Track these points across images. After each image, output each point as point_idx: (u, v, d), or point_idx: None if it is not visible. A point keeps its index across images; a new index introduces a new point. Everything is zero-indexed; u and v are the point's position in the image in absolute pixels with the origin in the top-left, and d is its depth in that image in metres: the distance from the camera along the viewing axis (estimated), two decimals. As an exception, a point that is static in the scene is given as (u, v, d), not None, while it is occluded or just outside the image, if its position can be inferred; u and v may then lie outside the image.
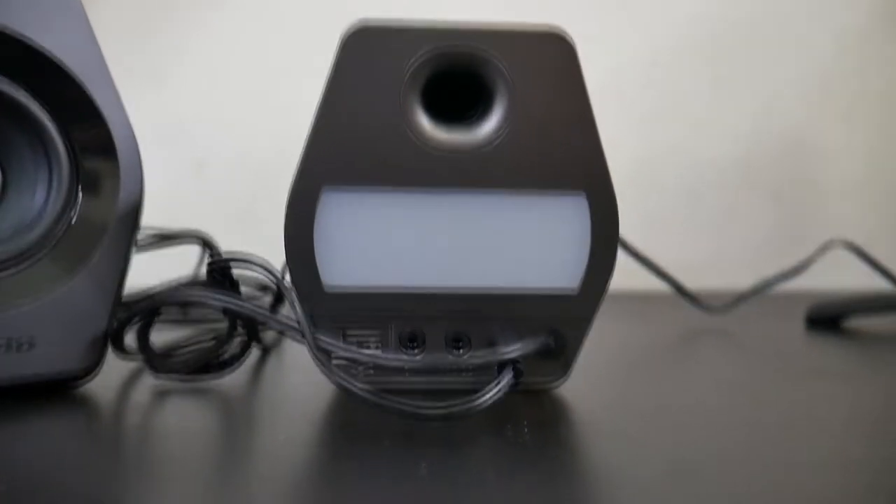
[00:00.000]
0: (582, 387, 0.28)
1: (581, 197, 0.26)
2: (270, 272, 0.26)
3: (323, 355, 0.23)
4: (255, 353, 0.33)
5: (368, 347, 0.26)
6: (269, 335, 0.39)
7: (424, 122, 0.25)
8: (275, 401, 0.27)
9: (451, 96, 0.25)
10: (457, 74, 0.25)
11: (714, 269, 0.73)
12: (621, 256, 0.29)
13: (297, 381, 0.30)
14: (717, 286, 0.62)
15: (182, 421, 0.24)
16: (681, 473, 0.19)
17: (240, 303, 0.25)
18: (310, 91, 0.27)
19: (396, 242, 0.26)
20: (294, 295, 0.25)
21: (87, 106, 0.26)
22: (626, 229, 0.33)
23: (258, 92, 0.71)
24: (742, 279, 0.57)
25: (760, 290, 0.53)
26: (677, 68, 0.75)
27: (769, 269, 0.55)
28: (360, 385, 0.22)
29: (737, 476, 0.19)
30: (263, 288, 0.46)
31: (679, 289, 0.50)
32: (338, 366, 0.26)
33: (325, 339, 0.24)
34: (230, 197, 0.70)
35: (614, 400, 0.28)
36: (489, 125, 0.25)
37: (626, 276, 0.40)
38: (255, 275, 0.31)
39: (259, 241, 0.44)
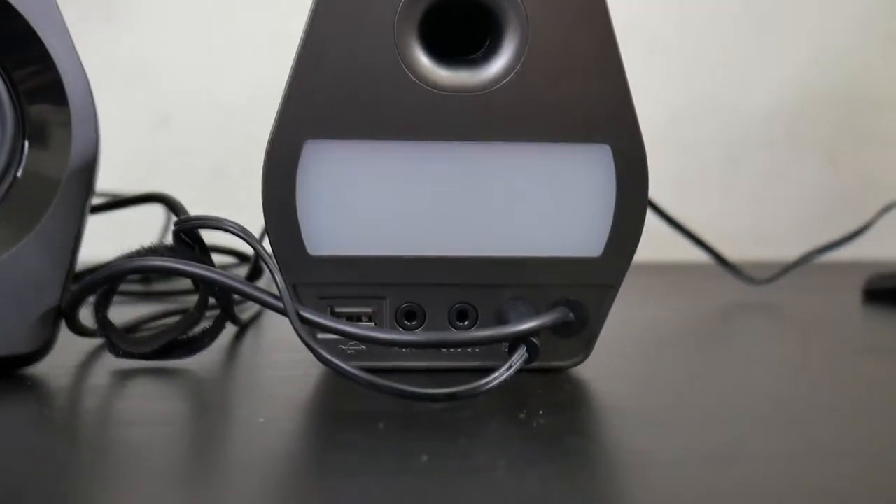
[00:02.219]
0: (605, 366, 0.28)
1: (605, 148, 0.25)
2: (246, 237, 0.26)
3: (307, 331, 0.23)
4: (229, 329, 0.33)
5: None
6: (245, 309, 0.39)
7: (423, 59, 0.25)
8: (253, 384, 0.27)
9: (453, 32, 0.25)
10: (460, 4, 0.25)
11: (758, 236, 0.73)
12: (651, 220, 0.29)
13: (279, 360, 0.30)
14: (761, 255, 0.62)
15: (147, 407, 0.24)
16: (717, 464, 0.19)
17: (212, 272, 0.25)
18: (291, 27, 0.27)
19: (391, 202, 0.26)
20: (274, 263, 0.25)
21: (33, 45, 0.26)
22: (657, 189, 0.33)
23: (231, 30, 0.70)
24: (789, 247, 0.57)
25: (810, 259, 0.52)
26: (715, 6, 0.74)
27: (820, 236, 0.55)
28: (351, 364, 0.22)
29: (781, 467, 0.19)
30: (239, 256, 0.46)
31: (718, 258, 0.50)
32: (325, 343, 0.26)
33: (311, 313, 0.24)
34: (199, 153, 0.70)
35: (642, 381, 0.28)
36: (499, 63, 0.25)
37: (656, 242, 0.40)
38: (228, 240, 0.31)
39: (233, 204, 0.44)
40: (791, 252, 0.55)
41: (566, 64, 0.25)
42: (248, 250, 0.44)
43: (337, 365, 0.22)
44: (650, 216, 0.28)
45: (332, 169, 0.25)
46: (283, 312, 0.24)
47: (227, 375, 0.28)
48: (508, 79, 0.25)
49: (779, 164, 0.75)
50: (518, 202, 0.26)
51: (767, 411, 0.24)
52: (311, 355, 0.23)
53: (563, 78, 0.25)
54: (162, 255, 0.26)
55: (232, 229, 0.26)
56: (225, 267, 0.49)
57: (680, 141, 0.73)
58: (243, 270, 0.42)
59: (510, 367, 0.23)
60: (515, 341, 0.24)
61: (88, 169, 0.27)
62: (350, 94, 0.25)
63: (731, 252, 0.52)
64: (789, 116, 0.75)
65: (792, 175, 0.75)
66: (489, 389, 0.22)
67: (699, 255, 0.51)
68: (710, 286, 0.53)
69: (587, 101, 0.25)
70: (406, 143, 0.25)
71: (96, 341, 0.30)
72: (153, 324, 0.34)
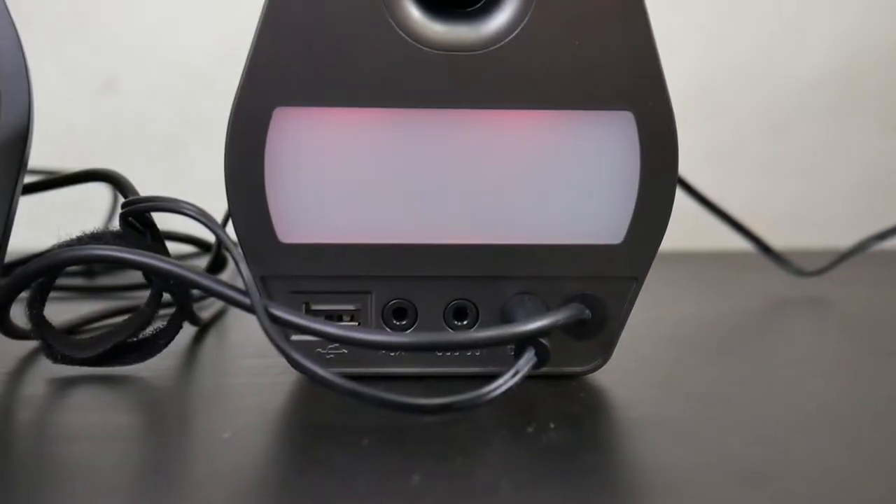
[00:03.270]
0: (627, 372, 0.28)
1: (627, 116, 0.25)
2: (207, 221, 0.26)
3: (279, 331, 0.23)
4: (187, 330, 0.33)
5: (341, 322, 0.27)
6: (206, 306, 0.39)
7: (413, 12, 0.25)
8: (215, 393, 0.27)
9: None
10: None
11: (806, 219, 0.73)
12: (681, 200, 0.29)
13: (246, 366, 0.30)
14: (809, 242, 0.63)
15: (91, 420, 0.24)
16: (754, 483, 0.19)
17: (166, 262, 0.25)
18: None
19: (377, 180, 0.26)
20: (239, 252, 0.25)
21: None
22: (689, 166, 0.33)
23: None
24: (843, 232, 0.57)
25: (868, 247, 0.53)
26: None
27: (879, 219, 0.55)
28: (331, 370, 0.22)
29: (827, 486, 0.19)
30: (198, 244, 0.46)
31: (760, 245, 0.51)
32: (299, 345, 0.26)
33: (282, 310, 0.24)
34: (151, 122, 0.70)
35: (670, 389, 0.28)
36: (502, 16, 0.25)
37: (687, 227, 0.40)
38: (186, 225, 0.31)
39: (191, 183, 0.44)
40: (845, 238, 0.55)
41: (581, 17, 0.25)
42: (209, 237, 0.44)
43: (313, 371, 0.22)
44: (680, 196, 0.28)
45: (308, 141, 0.25)
46: (250, 310, 0.24)
47: (184, 384, 0.28)
48: (513, 35, 0.25)
49: (830, 134, 0.75)
50: (525, 180, 0.26)
51: (814, 423, 0.24)
52: (283, 360, 0.23)
53: (578, 34, 0.25)
54: (107, 242, 0.26)
55: (190, 212, 0.26)
56: (182, 257, 0.49)
57: (715, 107, 0.73)
58: (203, 261, 0.42)
59: (516, 373, 0.23)
60: (522, 343, 0.24)
61: (19, 143, 0.27)
62: (327, 53, 0.25)
63: (774, 238, 0.52)
64: (843, 78, 0.75)
65: (845, 147, 0.76)
66: (492, 399, 0.22)
67: (737, 242, 0.51)
68: (750, 278, 0.53)
69: (606, 61, 0.25)
70: (393, 111, 0.25)
71: (31, 344, 0.30)
72: (98, 324, 0.34)
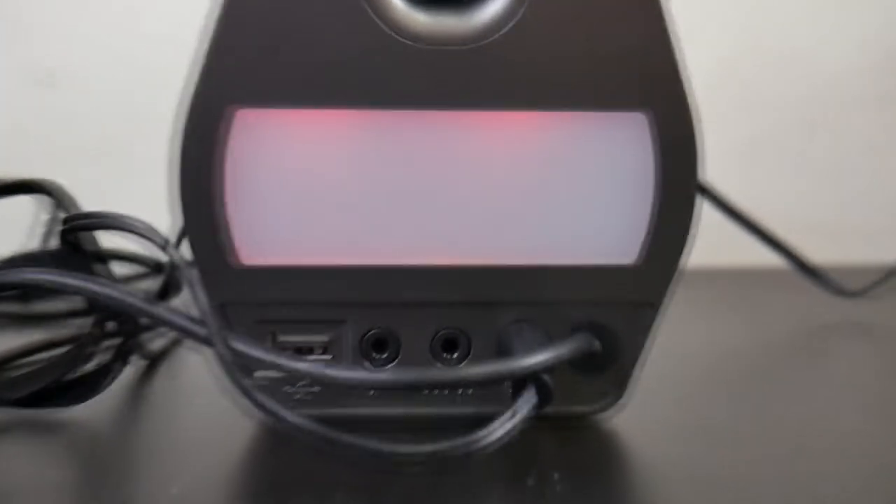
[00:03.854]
0: (643, 413, 0.28)
1: (641, 117, 0.25)
2: (157, 240, 0.26)
3: (240, 367, 0.23)
4: (134, 365, 0.33)
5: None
6: (156, 337, 0.39)
7: (395, 0, 0.25)
8: (165, 440, 0.27)
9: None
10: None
11: (848, 230, 0.73)
12: (704, 210, 0.29)
13: (201, 407, 0.30)
14: (852, 256, 0.63)
15: (21, 471, 0.24)
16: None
17: (110, 287, 0.25)
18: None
19: (354, 192, 0.25)
20: (195, 275, 0.25)
21: None
22: (712, 170, 0.33)
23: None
24: (890, 246, 0.57)
25: (919, 263, 0.53)
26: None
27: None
28: (300, 413, 0.22)
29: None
30: (147, 265, 0.46)
31: (795, 260, 0.51)
32: (263, 384, 0.26)
33: (244, 343, 0.23)
34: (93, 124, 0.69)
35: (693, 433, 0.28)
36: (495, 5, 0.25)
37: (711, 241, 0.40)
38: (134, 244, 0.31)
39: (140, 195, 0.44)
40: (893, 251, 0.55)
41: (587, 6, 0.25)
42: (161, 257, 0.43)
43: (279, 413, 0.22)
44: (703, 206, 0.28)
45: (273, 148, 0.25)
46: (206, 342, 0.24)
47: (129, 428, 0.28)
48: (509, 27, 0.25)
49: (876, 131, 0.75)
50: (523, 192, 0.26)
51: (861, 473, 0.24)
52: (244, 400, 0.23)
53: (583, 25, 0.25)
54: (44, 264, 0.26)
55: (138, 230, 0.26)
56: (129, 279, 0.49)
57: (741, 103, 0.73)
58: (154, 285, 0.42)
59: (514, 414, 0.23)
60: (521, 380, 0.24)
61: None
62: (296, 46, 0.24)
63: (812, 252, 0.52)
64: (886, 74, 0.75)
65: (890, 152, 0.76)
66: (486, 446, 0.22)
67: (769, 257, 0.51)
68: (784, 299, 0.53)
69: (615, 56, 0.25)
70: (372, 114, 0.25)
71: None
72: (31, 358, 0.33)
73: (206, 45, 0.24)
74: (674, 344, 0.38)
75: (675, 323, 0.29)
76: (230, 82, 0.25)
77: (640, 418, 0.28)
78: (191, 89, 0.25)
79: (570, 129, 0.25)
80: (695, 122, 0.25)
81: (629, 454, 0.26)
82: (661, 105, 0.25)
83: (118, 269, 0.29)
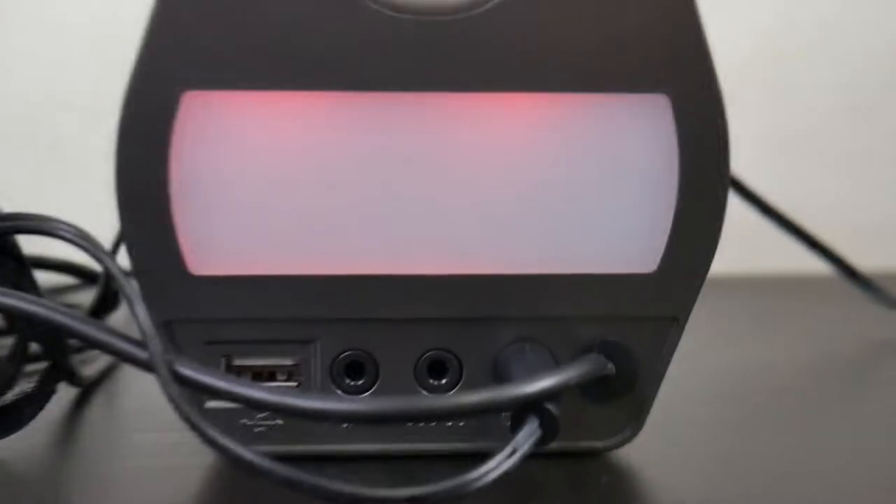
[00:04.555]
0: (664, 447, 0.28)
1: (661, 100, 0.25)
2: (90, 246, 0.26)
3: (188, 396, 0.23)
4: (63, 393, 0.33)
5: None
6: (90, 360, 0.38)
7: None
8: (101, 481, 0.27)
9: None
10: None
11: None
12: (735, 209, 0.29)
13: (144, 443, 0.30)
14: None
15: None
16: None
17: (34, 302, 0.25)
18: None
19: (323, 190, 0.25)
20: (135, 287, 0.25)
21: None
22: (743, 161, 0.33)
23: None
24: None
25: None
26: None
27: None
28: (259, 449, 0.22)
29: None
30: (80, 275, 0.46)
31: (842, 267, 0.51)
32: (217, 415, 0.26)
33: (194, 368, 0.23)
34: (16, 107, 0.69)
35: (722, 469, 0.28)
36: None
37: (744, 245, 0.40)
38: (63, 251, 0.31)
39: (70, 192, 0.44)
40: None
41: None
42: (95, 267, 0.43)
43: (235, 451, 0.22)
44: (734, 203, 0.28)
45: (228, 137, 0.25)
46: (148, 367, 0.23)
47: (58, 468, 0.28)
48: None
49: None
50: (525, 189, 0.26)
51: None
52: (193, 435, 0.23)
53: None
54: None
55: (68, 235, 0.26)
56: (57, 292, 0.48)
57: (777, 83, 0.74)
58: (87, 298, 0.42)
59: (514, 451, 0.23)
60: (522, 410, 0.24)
61: None
62: (254, 18, 0.24)
63: (860, 258, 0.52)
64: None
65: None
66: (481, 488, 0.22)
67: (812, 264, 0.51)
68: (829, 312, 0.53)
69: (633, 29, 0.25)
70: (345, 97, 0.25)
71: None
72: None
73: (148, 18, 0.24)
74: (697, 363, 0.38)
75: (698, 339, 0.29)
76: (175, 60, 0.24)
77: (656, 449, 0.28)
78: (131, 69, 0.25)
79: (579, 114, 0.25)
80: (722, 105, 0.25)
81: (644, 496, 0.26)
82: (686, 86, 0.25)
83: (44, 279, 0.29)
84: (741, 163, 0.27)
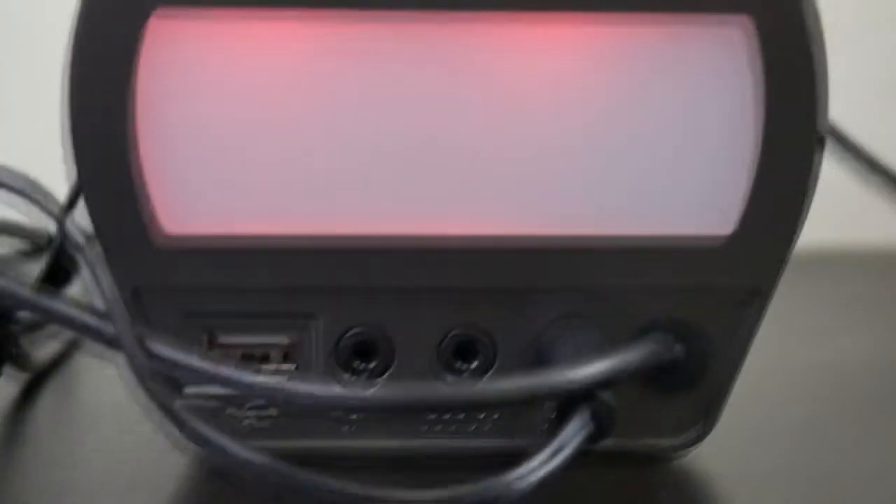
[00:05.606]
0: (743, 452, 0.28)
1: (744, 23, 0.25)
2: (41, 201, 0.26)
3: (163, 381, 0.23)
4: (10, 379, 0.33)
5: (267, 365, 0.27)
6: (43, 340, 0.39)
7: None
8: (56, 484, 0.27)
9: None
10: None
11: None
12: (833, 163, 0.29)
13: (109, 438, 0.30)
14: None
15: None
16: None
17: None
18: None
19: (323, 132, 0.26)
20: (97, 251, 0.25)
21: None
22: (844, 106, 0.33)
23: None
24: None
25: None
26: None
27: None
28: (250, 446, 0.22)
29: None
30: (28, 236, 0.46)
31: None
32: (196, 404, 0.26)
33: (169, 346, 0.24)
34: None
35: (815, 485, 0.28)
36: None
37: (844, 209, 0.40)
38: (7, 210, 0.31)
39: (13, 139, 0.44)
40: None
41: None
42: (49, 227, 0.44)
43: (222, 446, 0.22)
44: (831, 156, 0.28)
45: (208, 67, 0.25)
46: (113, 344, 0.24)
47: (8, 468, 0.28)
48: None
49: None
50: (571, 133, 0.26)
51: None
52: (170, 427, 0.23)
53: None
54: None
55: (12, 186, 0.26)
56: (2, 260, 0.49)
57: (887, 14, 0.73)
58: (38, 266, 0.42)
59: (559, 449, 0.23)
60: (570, 400, 0.24)
61: None
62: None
63: None
64: None
65: None
66: (520, 493, 0.22)
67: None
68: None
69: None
70: (351, 15, 0.25)
71: None
72: None
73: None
74: (780, 354, 0.38)
75: (782, 323, 0.28)
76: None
77: (733, 458, 0.28)
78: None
79: (641, 41, 0.25)
80: (819, 34, 0.25)
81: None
82: (774, 6, 0.25)
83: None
84: (839, 107, 0.27)
